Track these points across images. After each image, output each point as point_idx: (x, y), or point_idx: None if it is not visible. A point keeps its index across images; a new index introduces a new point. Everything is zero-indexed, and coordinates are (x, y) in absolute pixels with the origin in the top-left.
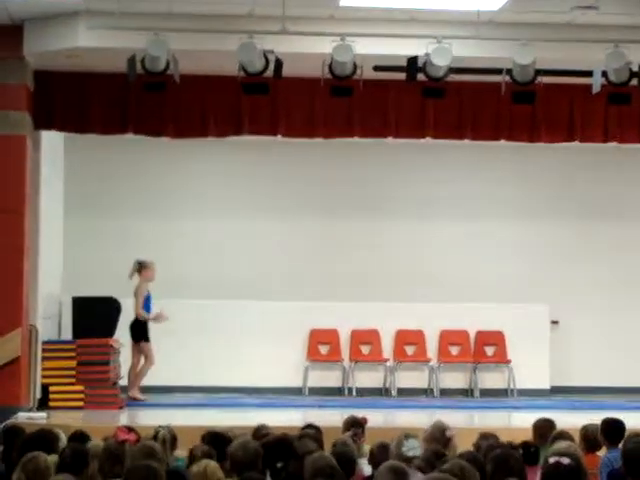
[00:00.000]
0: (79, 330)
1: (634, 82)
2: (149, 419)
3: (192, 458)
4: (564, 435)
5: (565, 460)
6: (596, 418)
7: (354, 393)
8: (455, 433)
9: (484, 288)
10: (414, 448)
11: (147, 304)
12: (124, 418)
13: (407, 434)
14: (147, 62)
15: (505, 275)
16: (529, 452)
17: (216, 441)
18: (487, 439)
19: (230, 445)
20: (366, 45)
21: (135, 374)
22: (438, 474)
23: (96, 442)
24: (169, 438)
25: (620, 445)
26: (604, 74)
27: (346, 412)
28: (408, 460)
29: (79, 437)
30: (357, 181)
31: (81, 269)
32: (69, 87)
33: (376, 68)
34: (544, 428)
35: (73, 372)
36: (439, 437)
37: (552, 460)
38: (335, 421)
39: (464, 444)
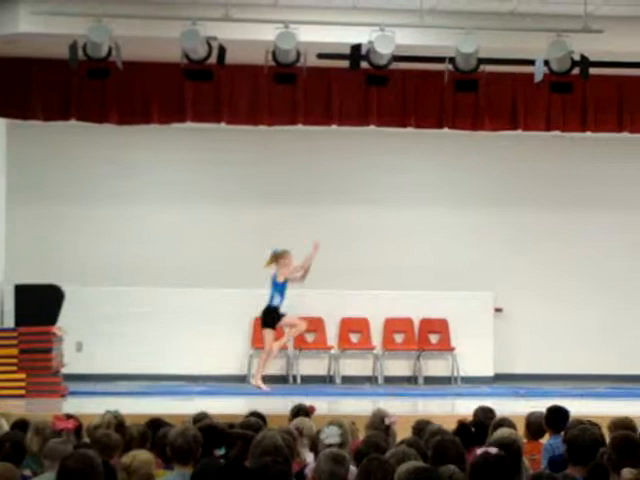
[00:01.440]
0: (21, 318)
1: (576, 71)
2: (92, 407)
3: (129, 441)
4: (506, 422)
5: (493, 450)
6: (539, 405)
7: (298, 381)
8: (395, 420)
9: (428, 276)
10: (332, 436)
11: (282, 292)
12: (67, 406)
13: (331, 421)
14: (89, 48)
15: (449, 263)
16: (469, 432)
17: (156, 427)
18: (424, 426)
19: (169, 432)
20: (310, 33)
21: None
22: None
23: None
24: (114, 423)
25: (562, 432)
26: (546, 63)
27: (290, 400)
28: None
29: (20, 425)
30: (304, 168)
31: (23, 257)
32: (10, 74)
33: (320, 56)
34: (484, 416)
35: (15, 360)
36: (379, 424)
37: (480, 450)
38: (279, 409)
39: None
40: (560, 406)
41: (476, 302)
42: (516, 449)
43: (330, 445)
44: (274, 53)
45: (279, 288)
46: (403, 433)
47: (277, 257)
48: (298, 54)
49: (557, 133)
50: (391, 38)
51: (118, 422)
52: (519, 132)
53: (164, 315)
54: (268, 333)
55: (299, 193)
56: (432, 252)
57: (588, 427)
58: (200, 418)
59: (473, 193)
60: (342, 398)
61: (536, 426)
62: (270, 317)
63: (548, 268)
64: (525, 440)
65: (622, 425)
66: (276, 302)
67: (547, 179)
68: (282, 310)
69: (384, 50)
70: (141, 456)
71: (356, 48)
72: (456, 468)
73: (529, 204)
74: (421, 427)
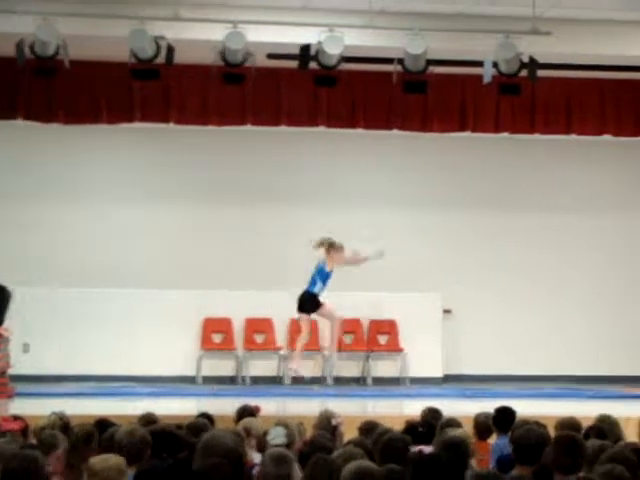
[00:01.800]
0: None
1: (524, 73)
2: (39, 408)
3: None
4: (453, 423)
5: (427, 449)
6: (488, 406)
7: (248, 382)
8: (341, 421)
9: (377, 277)
10: (279, 436)
11: (325, 281)
12: (13, 407)
13: (277, 422)
14: (36, 47)
15: (398, 264)
16: (417, 433)
17: (102, 427)
18: (371, 426)
19: (117, 432)
20: (259, 33)
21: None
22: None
23: None
24: (60, 424)
25: (509, 432)
26: (495, 65)
27: (239, 401)
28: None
29: None
30: (255, 168)
31: None
32: None
33: (269, 56)
34: (431, 417)
35: None
36: (326, 425)
37: (415, 449)
38: (228, 410)
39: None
40: (507, 407)
41: (425, 303)
42: (464, 449)
43: (277, 445)
44: (223, 53)
45: (323, 276)
46: (352, 434)
47: (330, 247)
48: (247, 54)
49: (506, 135)
50: (340, 39)
51: (64, 423)
52: (468, 133)
53: (113, 316)
54: (305, 319)
55: (250, 193)
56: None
57: (534, 427)
58: (147, 419)
59: (422, 194)
60: (291, 399)
61: (484, 426)
62: (309, 303)
63: (497, 269)
64: (473, 440)
65: (568, 425)
66: (317, 289)
67: (496, 180)
68: (321, 299)
69: (333, 51)
70: (110, 460)
71: (305, 49)
72: (398, 467)
73: (478, 205)
74: (368, 427)
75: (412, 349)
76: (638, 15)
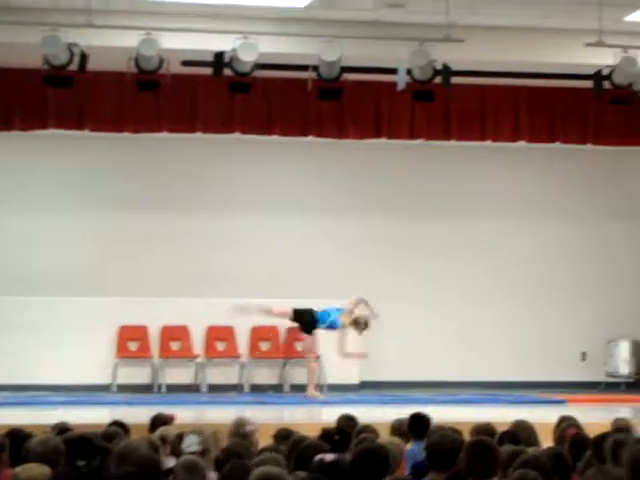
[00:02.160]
0: None
1: (438, 80)
2: None
3: None
4: (368, 430)
5: (329, 457)
6: (404, 412)
7: (164, 390)
8: (255, 428)
9: (294, 284)
10: (192, 444)
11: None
12: None
13: (193, 430)
14: None
15: (316, 271)
16: (333, 440)
17: (15, 437)
18: (286, 433)
19: (30, 441)
20: (173, 40)
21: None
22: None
23: None
24: None
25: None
26: (409, 72)
27: (155, 409)
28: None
29: None
30: (166, 176)
31: None
32: None
33: (184, 63)
34: (346, 424)
35: None
36: (239, 432)
37: (317, 457)
38: (143, 418)
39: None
40: (422, 413)
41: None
42: (383, 455)
43: (191, 453)
44: (136, 60)
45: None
46: (268, 441)
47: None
48: (161, 61)
49: (421, 141)
50: (254, 46)
51: None
52: (383, 140)
53: (26, 324)
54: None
55: (166, 201)
56: (298, 259)
57: (448, 433)
58: (60, 428)
59: (349, 201)
60: (208, 407)
61: (399, 433)
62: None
63: (413, 276)
64: (404, 446)
65: (482, 431)
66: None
67: (410, 187)
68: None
69: (247, 58)
70: (35, 470)
71: (219, 55)
72: (306, 474)
73: (393, 212)
74: (282, 435)
75: (329, 356)
76: (552, 22)
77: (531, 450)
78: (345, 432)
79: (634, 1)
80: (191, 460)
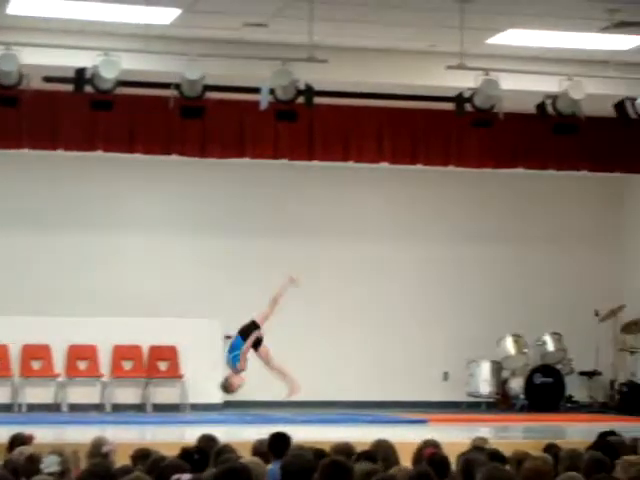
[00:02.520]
0: None
1: (301, 100)
2: None
3: None
4: (227, 449)
5: (185, 477)
6: (266, 432)
7: (24, 409)
8: (112, 449)
9: (159, 302)
10: (52, 465)
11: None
12: None
13: (53, 450)
14: None
15: (180, 290)
16: (192, 459)
17: None
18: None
19: None
20: (34, 55)
21: None
22: None
23: None
24: None
25: None
26: (272, 91)
27: (14, 429)
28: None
29: None
30: (31, 193)
31: None
32: None
33: (45, 79)
34: (206, 445)
35: None
36: (97, 452)
37: (174, 478)
38: (2, 438)
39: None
40: (282, 432)
41: (205, 329)
42: (245, 475)
43: (51, 474)
44: None
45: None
46: (127, 461)
47: None
48: (21, 76)
49: (285, 161)
50: (116, 62)
51: None
52: (247, 159)
53: None
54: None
55: (28, 220)
56: (162, 279)
57: (302, 453)
58: None
59: (203, 220)
60: (68, 426)
61: (261, 453)
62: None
63: None
64: None
65: (341, 450)
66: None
67: (272, 206)
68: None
69: (108, 75)
70: None
71: (80, 72)
72: None
73: (256, 232)
74: (140, 455)
75: (192, 375)
76: (415, 45)
77: (394, 470)
78: (204, 452)
79: (495, 25)
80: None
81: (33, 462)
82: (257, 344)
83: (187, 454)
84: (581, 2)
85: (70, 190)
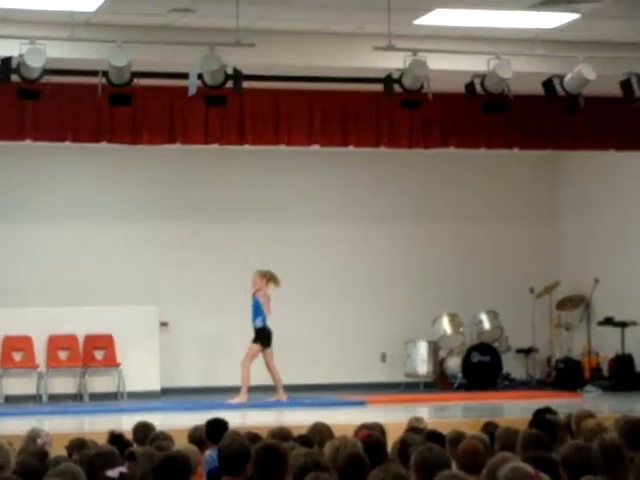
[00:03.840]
0: None
1: (230, 84)
2: None
3: None
4: (163, 436)
5: (115, 472)
6: (203, 418)
7: None
8: (47, 440)
9: (93, 291)
10: None
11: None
12: None
13: None
14: None
15: (114, 277)
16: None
17: None
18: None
19: None
20: None
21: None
22: None
23: None
24: None
25: None
26: (200, 76)
27: None
28: None
29: None
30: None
31: None
32: None
33: None
34: (142, 431)
35: None
36: (32, 444)
37: (106, 474)
38: None
39: None
40: (219, 418)
41: (141, 316)
42: (183, 463)
43: None
44: None
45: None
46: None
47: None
48: None
49: (216, 146)
50: (42, 51)
51: None
52: (178, 145)
53: None
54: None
55: None
56: (96, 267)
57: (237, 437)
58: None
59: (134, 207)
60: (5, 418)
61: (196, 440)
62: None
63: (209, 280)
64: None
65: (278, 435)
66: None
67: (209, 191)
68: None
69: (35, 63)
70: None
71: (6, 61)
72: None
73: (190, 217)
74: (75, 444)
75: (129, 363)
76: (343, 27)
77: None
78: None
79: (422, 5)
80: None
81: None
82: (267, 342)
83: (115, 438)
84: None
85: (1, 180)
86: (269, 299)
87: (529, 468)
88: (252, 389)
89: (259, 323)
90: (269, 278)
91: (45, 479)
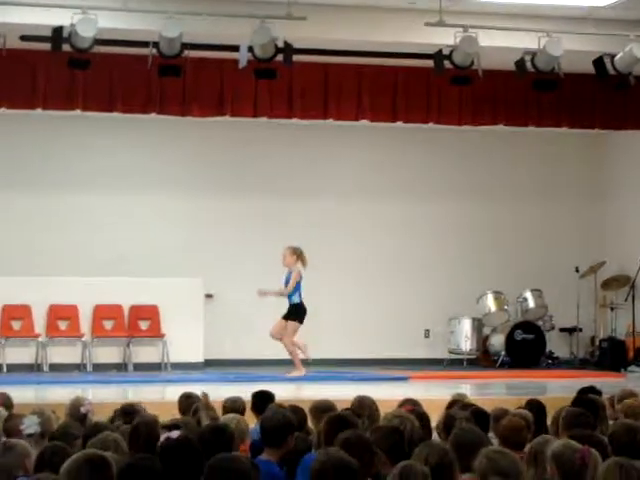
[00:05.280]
0: None
1: (280, 58)
2: None
3: None
4: (208, 407)
5: (174, 434)
6: (247, 390)
7: (5, 370)
8: (90, 409)
9: (138, 262)
10: (32, 425)
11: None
12: None
13: (33, 411)
14: None
15: (159, 249)
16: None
17: None
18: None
19: None
20: (10, 14)
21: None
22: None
23: None
24: None
25: None
26: (251, 49)
27: None
28: (29, 437)
29: None
30: (6, 154)
31: None
32: None
33: (22, 38)
34: (186, 403)
35: None
36: (75, 413)
37: (164, 436)
38: None
39: None
40: (264, 390)
41: (186, 288)
42: (229, 434)
43: (30, 435)
44: None
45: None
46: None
47: (301, 255)
48: None
49: (264, 119)
50: (93, 21)
51: None
52: (227, 118)
53: None
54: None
55: (6, 181)
56: (142, 238)
57: (280, 410)
58: None
59: (181, 179)
60: (50, 386)
61: (232, 411)
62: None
63: (256, 252)
64: None
65: (322, 408)
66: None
67: (257, 165)
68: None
69: (86, 33)
70: None
71: (58, 30)
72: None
73: (238, 190)
74: (126, 411)
75: (173, 334)
76: (394, 2)
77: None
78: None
79: None
80: (8, 442)
81: (11, 422)
82: (302, 319)
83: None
84: None
85: (50, 149)
86: (301, 277)
87: (578, 445)
88: (282, 363)
89: (297, 299)
90: (299, 255)
91: (88, 447)
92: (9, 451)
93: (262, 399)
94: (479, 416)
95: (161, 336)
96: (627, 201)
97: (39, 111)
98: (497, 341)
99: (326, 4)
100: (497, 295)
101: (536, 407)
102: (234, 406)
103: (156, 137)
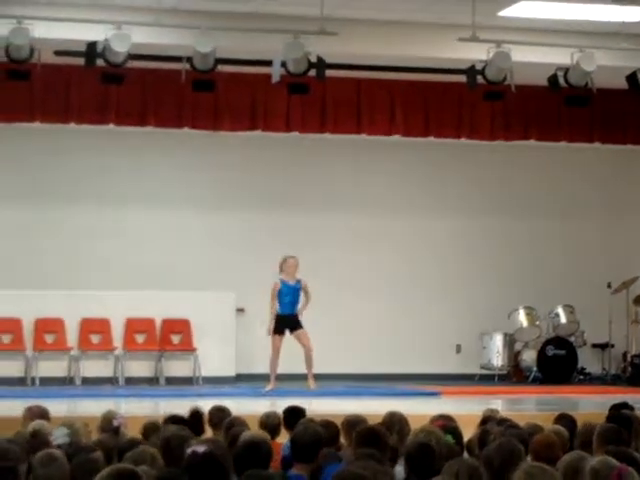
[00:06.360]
0: None
1: (312, 72)
2: None
3: None
4: (238, 421)
5: (200, 448)
6: (279, 405)
7: (37, 383)
8: (123, 422)
9: (171, 276)
10: (61, 437)
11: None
12: None
13: (62, 423)
14: None
15: (193, 263)
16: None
17: None
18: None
19: None
20: (45, 29)
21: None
22: None
23: None
24: None
25: None
26: (284, 64)
27: (28, 402)
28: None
29: None
30: (44, 167)
31: None
32: None
33: (57, 53)
34: (217, 415)
35: None
36: (107, 426)
37: (189, 450)
38: (17, 412)
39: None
40: (296, 405)
41: (218, 302)
42: (265, 449)
43: (59, 446)
44: (7, 49)
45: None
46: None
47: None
48: (32, 50)
49: (296, 134)
50: (127, 36)
51: None
52: (259, 132)
53: None
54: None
55: (40, 193)
56: (174, 252)
57: (311, 425)
58: None
59: (214, 194)
60: (82, 400)
61: (271, 425)
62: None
63: None
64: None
65: (353, 423)
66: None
67: (288, 179)
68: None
69: (120, 48)
70: None
71: (91, 45)
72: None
73: (270, 204)
74: (150, 428)
75: (205, 348)
76: (427, 17)
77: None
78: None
79: None
80: (48, 453)
81: (38, 437)
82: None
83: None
84: None
85: (84, 163)
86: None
87: (615, 462)
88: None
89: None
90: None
91: (124, 462)
92: (53, 462)
93: (293, 415)
94: (514, 432)
95: (193, 350)
96: None
97: (71, 125)
98: (529, 357)
99: (359, 19)
100: (529, 310)
101: (569, 422)
102: (268, 421)
103: (189, 152)
